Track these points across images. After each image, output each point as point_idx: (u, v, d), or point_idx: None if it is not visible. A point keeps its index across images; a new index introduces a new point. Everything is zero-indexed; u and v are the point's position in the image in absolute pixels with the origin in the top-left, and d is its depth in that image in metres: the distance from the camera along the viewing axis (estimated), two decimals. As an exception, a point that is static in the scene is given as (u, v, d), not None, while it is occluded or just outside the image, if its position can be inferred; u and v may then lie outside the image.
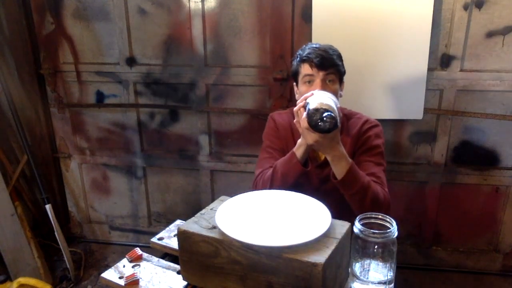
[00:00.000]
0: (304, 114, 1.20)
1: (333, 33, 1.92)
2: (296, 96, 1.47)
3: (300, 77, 1.40)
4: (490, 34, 1.93)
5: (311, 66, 1.35)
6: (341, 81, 1.42)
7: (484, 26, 1.92)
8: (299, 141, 1.31)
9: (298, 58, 1.39)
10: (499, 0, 1.87)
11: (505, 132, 2.05)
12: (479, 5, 1.90)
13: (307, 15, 2.00)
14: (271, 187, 1.33)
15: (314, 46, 1.39)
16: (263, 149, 1.51)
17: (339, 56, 1.41)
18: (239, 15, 2.10)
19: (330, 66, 1.35)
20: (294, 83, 1.47)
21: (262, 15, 2.08)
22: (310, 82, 1.36)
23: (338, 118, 1.16)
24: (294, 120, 1.28)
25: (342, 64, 1.41)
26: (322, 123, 1.14)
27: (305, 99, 1.25)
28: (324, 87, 1.33)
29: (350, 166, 1.25)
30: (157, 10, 2.17)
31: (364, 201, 1.26)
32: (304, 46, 1.42)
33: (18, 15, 2.32)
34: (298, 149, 1.31)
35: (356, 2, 1.88)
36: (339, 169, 1.25)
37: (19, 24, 2.34)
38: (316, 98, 1.21)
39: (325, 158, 1.40)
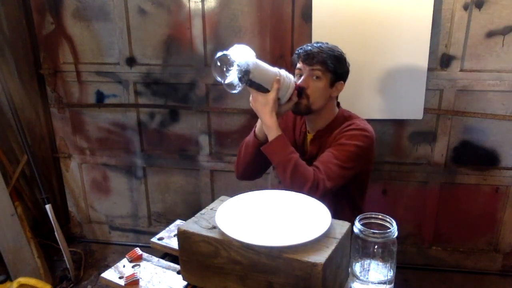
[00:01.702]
0: None
1: (333, 33, 1.92)
2: None
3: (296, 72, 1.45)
4: (490, 34, 1.93)
5: (299, 61, 1.41)
6: (332, 82, 1.41)
7: (484, 26, 1.92)
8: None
9: (295, 54, 1.45)
10: (499, 0, 1.87)
11: (505, 132, 2.05)
12: (479, 5, 1.90)
13: (307, 15, 2.00)
14: (238, 159, 1.50)
15: (315, 43, 1.43)
16: None
17: (335, 57, 1.39)
18: (239, 15, 2.10)
19: (317, 62, 1.37)
20: None
21: (262, 15, 2.08)
22: (300, 76, 1.41)
23: (241, 68, 1.19)
24: None
25: (338, 66, 1.40)
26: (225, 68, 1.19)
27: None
28: (307, 81, 1.38)
29: (277, 137, 1.30)
30: (157, 10, 2.17)
31: (285, 174, 1.30)
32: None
33: (18, 15, 2.32)
34: (258, 122, 1.40)
35: (356, 2, 1.88)
36: (268, 138, 1.33)
37: (19, 24, 2.34)
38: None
39: (314, 152, 1.45)
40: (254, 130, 1.42)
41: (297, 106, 1.39)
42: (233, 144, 2.33)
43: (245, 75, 1.20)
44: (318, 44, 1.41)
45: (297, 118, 1.56)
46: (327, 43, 1.43)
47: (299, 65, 1.41)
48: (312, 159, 1.41)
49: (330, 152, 1.37)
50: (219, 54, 1.18)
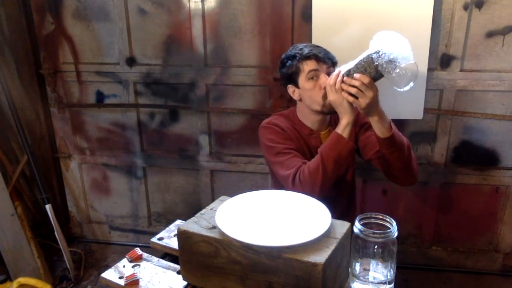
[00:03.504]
0: (356, 75, 1.20)
1: (333, 33, 1.92)
2: (295, 97, 1.48)
3: (303, 75, 1.41)
4: (490, 34, 1.93)
5: (317, 61, 1.39)
6: None
7: (484, 26, 1.92)
8: (342, 122, 1.30)
9: (298, 57, 1.40)
10: (499, 0, 1.87)
11: (505, 132, 2.05)
12: (479, 5, 1.90)
13: (307, 15, 2.00)
14: (324, 175, 1.28)
15: (306, 44, 1.45)
16: (278, 153, 1.42)
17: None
18: (239, 15, 2.10)
19: (330, 59, 1.42)
20: (290, 85, 1.47)
21: (262, 15, 2.08)
22: (314, 78, 1.40)
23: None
24: (330, 98, 1.29)
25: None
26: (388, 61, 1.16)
27: (337, 75, 1.26)
28: None
29: (391, 120, 1.29)
30: (157, 10, 2.17)
31: (410, 154, 1.33)
32: (293, 47, 1.46)
33: (18, 15, 2.32)
34: (345, 130, 1.30)
35: (356, 2, 1.88)
36: (385, 125, 1.26)
37: (19, 24, 2.34)
38: (351, 62, 1.25)
39: None
40: (346, 139, 1.29)
41: (328, 106, 1.38)
42: (233, 144, 2.33)
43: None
44: (310, 44, 1.46)
45: (295, 124, 1.51)
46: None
47: (315, 66, 1.39)
48: None
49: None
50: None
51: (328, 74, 1.38)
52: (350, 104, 1.27)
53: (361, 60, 1.21)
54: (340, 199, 1.54)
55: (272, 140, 1.45)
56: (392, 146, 1.28)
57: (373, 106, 1.23)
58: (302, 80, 1.42)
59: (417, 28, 1.87)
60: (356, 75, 1.21)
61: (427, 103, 2.03)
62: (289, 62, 1.43)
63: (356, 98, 1.22)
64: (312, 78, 1.40)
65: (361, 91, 1.21)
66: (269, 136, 1.47)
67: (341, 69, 1.28)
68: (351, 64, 1.25)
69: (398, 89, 1.20)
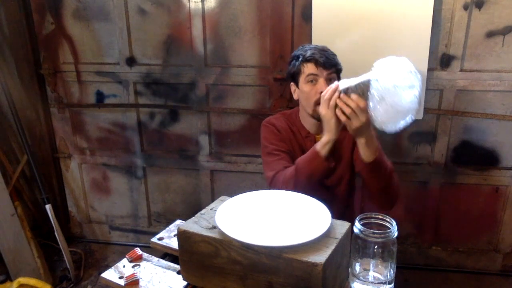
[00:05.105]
0: (353, 96, 1.15)
1: (333, 33, 1.92)
2: (295, 96, 1.49)
3: (302, 77, 1.41)
4: (490, 34, 1.93)
5: (316, 66, 1.38)
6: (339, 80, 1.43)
7: (484, 26, 1.93)
8: (323, 139, 1.27)
9: (301, 58, 1.41)
10: (499, 0, 1.87)
11: (505, 132, 2.05)
12: (479, 5, 1.90)
13: (307, 15, 2.00)
14: (296, 186, 1.28)
15: (314, 46, 1.43)
16: (268, 153, 1.46)
17: (336, 56, 1.44)
18: (239, 15, 2.10)
19: (333, 65, 1.39)
20: (292, 84, 1.48)
21: (262, 15, 2.08)
22: (313, 81, 1.39)
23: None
24: (321, 111, 1.25)
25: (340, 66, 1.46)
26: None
27: (334, 90, 1.21)
28: (328, 85, 1.33)
29: (378, 146, 1.27)
30: (157, 10, 2.17)
31: (390, 180, 1.33)
32: (301, 47, 1.45)
33: (18, 15, 2.32)
34: (324, 147, 1.27)
35: (356, 2, 1.88)
36: (370, 150, 1.24)
37: (19, 24, 2.34)
38: (352, 79, 1.20)
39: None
40: (322, 158, 1.27)
41: (318, 113, 1.36)
42: (233, 144, 2.33)
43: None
44: (318, 46, 1.42)
45: (293, 125, 1.52)
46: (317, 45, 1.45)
47: (314, 70, 1.38)
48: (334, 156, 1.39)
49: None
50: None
51: (328, 80, 1.36)
52: (337, 124, 1.23)
53: (361, 82, 1.15)
54: (335, 204, 1.52)
55: (266, 139, 1.50)
56: (372, 171, 1.27)
57: (363, 131, 1.20)
58: (301, 81, 1.42)
59: (417, 28, 1.87)
60: (353, 96, 1.16)
61: (427, 103, 2.03)
62: (293, 61, 1.45)
63: (349, 118, 1.18)
64: (311, 81, 1.39)
65: (354, 113, 1.16)
66: (265, 135, 1.51)
67: (340, 83, 1.22)
68: (351, 82, 1.19)
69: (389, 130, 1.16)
